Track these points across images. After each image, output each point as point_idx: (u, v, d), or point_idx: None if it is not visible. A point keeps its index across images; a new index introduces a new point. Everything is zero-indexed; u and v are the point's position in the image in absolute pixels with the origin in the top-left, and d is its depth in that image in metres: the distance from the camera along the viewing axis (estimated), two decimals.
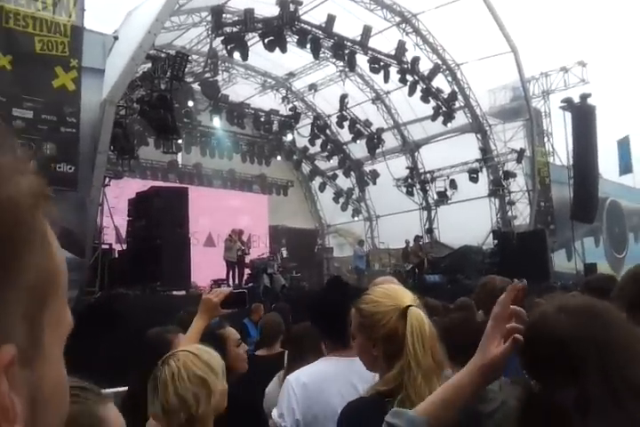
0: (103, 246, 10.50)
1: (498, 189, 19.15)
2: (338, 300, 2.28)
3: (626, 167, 25.74)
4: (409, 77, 17.13)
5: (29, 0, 9.06)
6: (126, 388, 3.26)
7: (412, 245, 17.07)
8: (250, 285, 12.50)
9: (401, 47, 16.48)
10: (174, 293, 10.85)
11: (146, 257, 10.11)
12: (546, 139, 21.19)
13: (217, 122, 17.19)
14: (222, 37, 14.21)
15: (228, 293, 2.43)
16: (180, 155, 18.15)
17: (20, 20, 8.87)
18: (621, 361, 1.03)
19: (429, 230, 20.61)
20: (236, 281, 13.30)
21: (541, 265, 16.38)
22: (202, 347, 1.97)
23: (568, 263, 20.13)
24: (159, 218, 10.44)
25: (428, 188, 20.83)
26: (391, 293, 1.72)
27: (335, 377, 2.23)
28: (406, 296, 1.69)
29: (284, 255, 15.28)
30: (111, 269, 10.13)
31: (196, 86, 15.76)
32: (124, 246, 11.33)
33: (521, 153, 18.70)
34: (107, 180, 10.75)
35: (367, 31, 15.57)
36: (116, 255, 10.99)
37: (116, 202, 11.41)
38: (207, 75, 15.31)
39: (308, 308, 2.58)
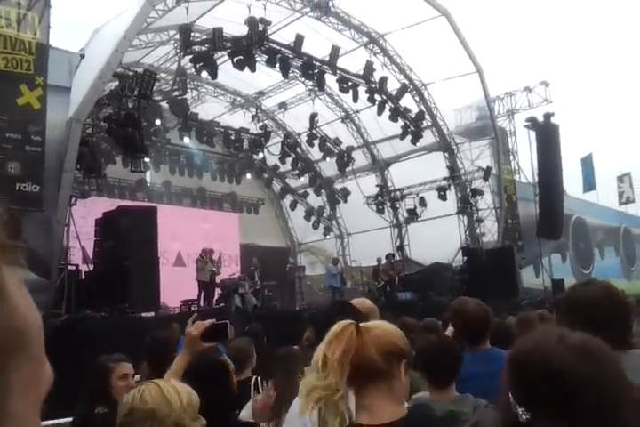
0: (69, 267, 10.24)
1: (466, 206, 19.38)
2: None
3: (589, 184, 26.40)
4: (377, 97, 17.31)
5: None
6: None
7: (383, 262, 17.09)
8: (221, 305, 12.33)
9: (369, 67, 16.67)
10: (143, 314, 10.63)
11: (113, 278, 9.89)
12: (511, 157, 21.60)
13: (186, 140, 17.08)
14: (191, 56, 14.17)
15: (209, 325, 2.32)
16: (148, 173, 17.92)
17: None
18: (616, 400, 1.03)
19: (400, 248, 20.70)
20: (207, 302, 13.10)
21: (510, 281, 16.58)
22: (175, 382, 1.87)
23: (536, 280, 20.39)
24: (127, 238, 10.24)
25: (398, 205, 20.97)
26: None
27: None
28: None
29: (257, 276, 15.08)
30: (78, 290, 9.87)
31: (164, 104, 15.64)
32: (91, 267, 11.07)
33: (487, 171, 19.00)
34: (73, 199, 10.54)
35: (335, 51, 15.72)
36: (83, 276, 10.71)
37: (83, 222, 11.18)
38: (176, 93, 15.21)
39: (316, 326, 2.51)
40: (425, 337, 3.09)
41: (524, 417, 1.07)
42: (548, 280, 20.08)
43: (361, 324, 1.65)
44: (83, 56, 11.02)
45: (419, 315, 9.07)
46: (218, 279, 13.54)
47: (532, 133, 20.77)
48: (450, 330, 3.67)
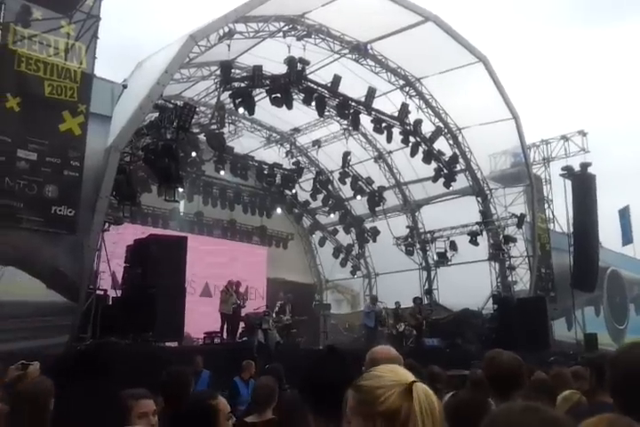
0: (98, 292, 10.22)
1: (498, 252, 19.03)
2: (334, 373, 2.08)
3: (627, 237, 25.79)
4: (411, 139, 17.35)
5: (42, 45, 9.25)
6: None
7: (402, 306, 16.67)
8: (244, 339, 12.16)
9: (404, 109, 16.79)
10: (166, 344, 10.53)
11: (140, 305, 9.86)
12: (546, 205, 21.31)
13: (221, 173, 17.29)
14: (230, 91, 14.47)
15: None
16: (181, 203, 18.13)
17: (31, 64, 9.02)
18: None
19: (428, 291, 20.31)
20: (230, 335, 12.94)
21: (541, 333, 16.14)
22: None
23: (568, 332, 19.77)
24: (156, 266, 10.26)
25: (427, 248, 20.70)
26: (394, 369, 1.54)
27: None
28: (409, 374, 1.50)
29: (289, 310, 14.83)
30: (104, 315, 9.83)
31: (202, 137, 15.92)
32: (119, 293, 11.07)
33: (521, 218, 18.71)
34: (106, 225, 10.63)
35: (372, 93, 15.91)
36: (110, 302, 10.69)
37: (114, 247, 11.24)
38: (213, 126, 15.50)
39: (300, 380, 2.37)
40: (455, 393, 2.94)
41: None
42: (581, 334, 19.44)
43: None
44: (125, 86, 11.32)
45: (445, 363, 8.79)
46: (243, 312, 13.41)
47: (568, 182, 20.57)
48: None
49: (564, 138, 21.14)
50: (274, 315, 13.83)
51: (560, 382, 4.54)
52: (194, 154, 15.89)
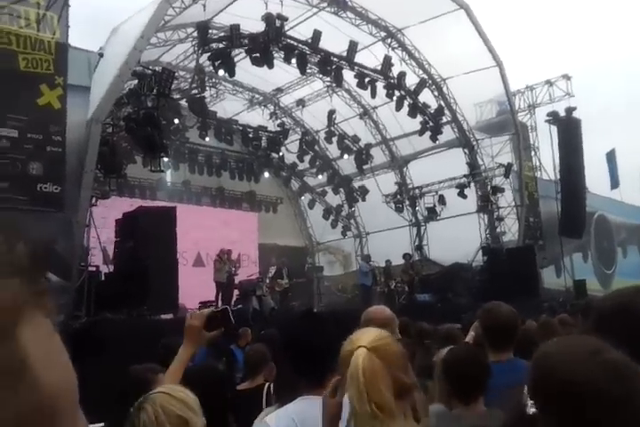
0: (90, 269, 10.20)
1: (486, 204, 19.07)
2: (312, 336, 2.12)
3: (615, 181, 25.93)
4: (396, 93, 17.09)
5: (12, 17, 8.89)
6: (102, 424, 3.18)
7: (393, 264, 16.81)
8: (238, 306, 12.23)
9: (387, 62, 16.46)
10: (162, 316, 10.56)
11: (133, 279, 9.82)
12: (533, 153, 21.26)
13: (206, 139, 17.00)
14: (208, 53, 14.07)
15: (209, 312, 2.27)
16: (168, 172, 17.90)
17: (3, 37, 8.70)
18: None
19: (419, 247, 20.47)
20: (225, 303, 13.01)
21: (531, 282, 16.34)
22: (174, 386, 1.97)
23: (557, 280, 20.11)
24: (146, 239, 10.18)
25: (417, 204, 20.74)
26: (357, 336, 1.67)
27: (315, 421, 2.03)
28: (366, 338, 1.62)
29: (286, 274, 14.90)
30: (98, 292, 9.83)
31: (183, 103, 15.56)
32: (111, 268, 11.02)
33: (508, 168, 18.68)
34: (94, 200, 10.50)
35: (353, 46, 15.54)
36: (103, 278, 10.67)
37: (103, 222, 11.14)
38: (194, 91, 15.14)
39: (281, 345, 2.45)
40: (452, 349, 2.99)
41: (532, 410, 1.07)
42: (570, 280, 19.79)
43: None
44: (101, 55, 10.98)
45: (437, 318, 8.91)
46: (236, 280, 13.45)
47: (554, 128, 20.45)
48: (470, 336, 3.54)
49: (549, 83, 20.90)
50: (268, 280, 13.90)
51: (548, 331, 4.66)
52: (176, 121, 15.56)
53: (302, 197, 23.01)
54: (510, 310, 3.07)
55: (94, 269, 10.50)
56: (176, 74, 13.91)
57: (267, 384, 4.13)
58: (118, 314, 9.89)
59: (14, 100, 8.72)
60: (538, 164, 21.30)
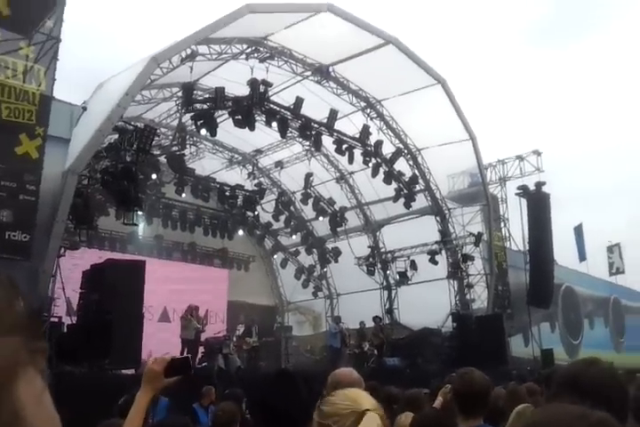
0: (52, 319, 10.01)
1: (456, 271, 19.34)
2: (283, 396, 2.13)
3: (582, 254, 26.51)
4: (372, 160, 17.58)
5: (0, 68, 9.10)
6: None
7: (367, 326, 16.76)
8: (204, 364, 11.99)
9: (365, 131, 17.01)
10: (124, 371, 10.31)
11: (96, 332, 9.65)
12: (502, 224, 21.75)
13: (182, 195, 17.15)
14: (192, 113, 14.44)
15: (170, 359, 2.23)
16: (140, 226, 17.86)
17: None
18: None
19: (389, 311, 20.44)
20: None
21: (499, 350, 16.38)
22: None
23: (525, 348, 20.13)
24: (112, 291, 10.07)
25: (388, 267, 20.89)
26: (352, 396, 1.67)
27: None
28: (368, 401, 1.63)
29: (255, 332, 14.74)
30: (59, 343, 9.58)
31: (162, 159, 15.80)
32: (75, 320, 10.82)
33: (478, 237, 19.09)
34: (62, 250, 10.43)
35: (333, 114, 16.10)
36: (65, 329, 10.45)
37: (70, 273, 11.03)
38: (175, 148, 15.42)
39: (251, 407, 2.42)
40: (421, 414, 3.03)
41: None
42: (537, 350, 19.81)
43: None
44: (85, 109, 11.21)
45: (406, 383, 8.86)
46: (203, 337, 13.23)
47: (524, 201, 21.05)
48: (439, 402, 3.57)
49: (520, 158, 21.67)
50: (235, 338, 13.69)
51: (515, 399, 4.66)
52: (154, 176, 15.72)
53: (275, 256, 23.01)
54: (483, 376, 3.12)
55: (57, 319, 10.30)
56: (158, 131, 14.22)
57: None
58: (79, 367, 9.64)
59: None
60: (507, 234, 21.75)
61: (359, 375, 2.94)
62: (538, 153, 21.50)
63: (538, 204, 20.61)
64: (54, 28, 9.79)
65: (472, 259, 19.33)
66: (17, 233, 8.84)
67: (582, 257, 26.61)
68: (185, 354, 12.78)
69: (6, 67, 9.17)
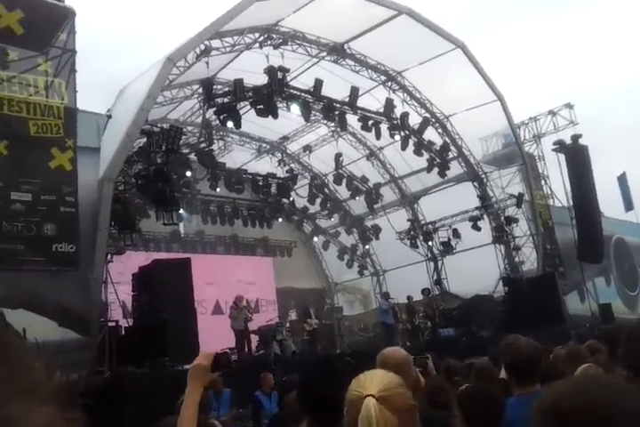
0: (110, 324, 10.37)
1: (501, 235, 19.11)
2: (325, 385, 2.13)
3: (628, 204, 25.77)
4: (400, 133, 17.39)
5: (22, 86, 9.29)
6: None
7: (414, 299, 16.75)
8: (260, 352, 12.22)
9: (389, 104, 16.82)
10: (184, 367, 10.59)
11: (153, 332, 9.96)
12: (543, 182, 21.31)
13: (217, 189, 17.36)
14: (214, 108, 14.52)
15: (215, 354, 2.25)
16: (181, 224, 18.21)
17: (13, 105, 9.05)
18: None
19: (438, 282, 20.36)
20: (246, 350, 13.00)
21: (555, 309, 16.18)
22: None
23: (582, 305, 19.81)
24: (163, 291, 10.36)
25: (431, 239, 20.75)
26: (366, 379, 1.64)
27: None
28: (376, 385, 1.59)
29: (294, 318, 14.98)
30: (119, 346, 9.96)
31: (192, 156, 15.98)
32: (131, 322, 11.16)
33: (520, 198, 18.77)
34: (109, 256, 10.71)
35: (355, 92, 15.95)
36: (123, 332, 10.80)
37: (120, 277, 11.33)
38: (203, 144, 15.57)
39: (299, 394, 2.41)
40: (469, 386, 3.02)
41: None
42: (595, 305, 19.49)
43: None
44: (110, 117, 11.38)
45: (462, 352, 8.85)
46: (254, 326, 13.47)
47: (562, 156, 20.57)
48: (504, 372, 3.55)
49: (552, 113, 21.08)
50: (288, 324, 13.89)
51: (576, 358, 4.60)
52: (188, 174, 15.95)
53: (315, 239, 23.14)
54: (529, 342, 3.06)
55: (114, 323, 10.64)
56: (184, 129, 14.38)
57: None
58: (140, 367, 9.95)
59: (27, 164, 9.01)
60: (549, 192, 21.31)
61: (406, 353, 2.91)
62: (570, 106, 20.89)
63: (576, 157, 20.13)
64: (68, 41, 9.94)
65: (516, 221, 19.06)
66: (63, 245, 9.10)
67: (629, 206, 25.82)
68: (238, 344, 13.08)
69: (28, 84, 9.39)
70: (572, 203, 20.51)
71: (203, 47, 13.55)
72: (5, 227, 8.60)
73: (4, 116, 9.01)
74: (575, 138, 20.30)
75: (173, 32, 21.42)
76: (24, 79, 9.36)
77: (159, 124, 13.76)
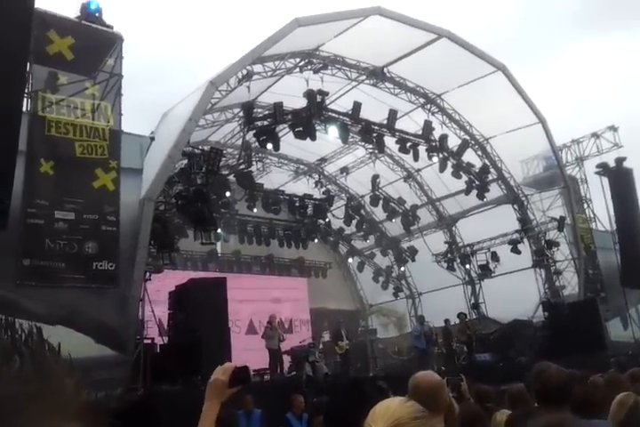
0: (145, 341, 10.54)
1: (542, 258, 18.77)
2: (355, 410, 2.17)
3: None
4: (438, 155, 17.35)
5: (70, 108, 9.67)
6: None
7: (452, 323, 16.49)
8: (292, 373, 12.22)
9: (428, 127, 16.82)
10: None
11: (187, 350, 10.09)
12: (585, 205, 20.87)
13: (254, 210, 17.60)
14: (254, 131, 14.77)
15: (234, 368, 2.13)
16: (219, 244, 18.47)
17: (61, 127, 9.42)
18: None
19: (475, 305, 20.04)
20: (278, 371, 13.02)
21: (596, 336, 15.76)
22: None
23: (625, 332, 19.15)
24: (198, 310, 10.50)
25: (469, 261, 20.48)
26: (380, 411, 1.65)
27: None
28: (386, 418, 1.60)
29: (327, 339, 14.95)
30: (153, 363, 10.08)
31: (231, 177, 16.28)
32: (166, 340, 11.33)
33: (561, 221, 18.42)
34: (147, 274, 10.93)
35: (393, 114, 16.01)
36: (158, 350, 10.97)
37: (158, 295, 11.54)
38: (242, 166, 15.85)
39: (324, 414, 2.44)
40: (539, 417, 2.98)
41: None
42: (638, 332, 18.84)
43: None
44: (153, 139, 11.71)
45: (499, 378, 8.68)
46: (287, 346, 13.50)
47: (605, 180, 20.13)
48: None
49: (595, 135, 20.68)
50: (321, 345, 13.85)
51: (615, 386, 4.42)
52: (227, 194, 16.23)
53: (350, 260, 23.09)
54: (559, 370, 3.03)
55: (150, 341, 10.83)
56: (224, 151, 14.68)
57: None
58: (174, 385, 10.06)
59: (71, 184, 9.34)
60: (592, 215, 20.82)
61: (439, 378, 2.90)
62: (614, 128, 20.45)
63: (620, 180, 19.67)
64: (115, 66, 10.36)
65: (557, 244, 18.71)
66: (103, 263, 9.36)
67: None
68: (271, 364, 13.10)
69: (75, 107, 9.79)
70: (615, 227, 19.98)
71: (245, 72, 13.86)
72: (48, 245, 8.89)
73: (52, 137, 9.39)
74: (619, 161, 19.86)
75: (219, 55, 21.99)
76: (72, 102, 9.76)
77: (200, 146, 14.09)
